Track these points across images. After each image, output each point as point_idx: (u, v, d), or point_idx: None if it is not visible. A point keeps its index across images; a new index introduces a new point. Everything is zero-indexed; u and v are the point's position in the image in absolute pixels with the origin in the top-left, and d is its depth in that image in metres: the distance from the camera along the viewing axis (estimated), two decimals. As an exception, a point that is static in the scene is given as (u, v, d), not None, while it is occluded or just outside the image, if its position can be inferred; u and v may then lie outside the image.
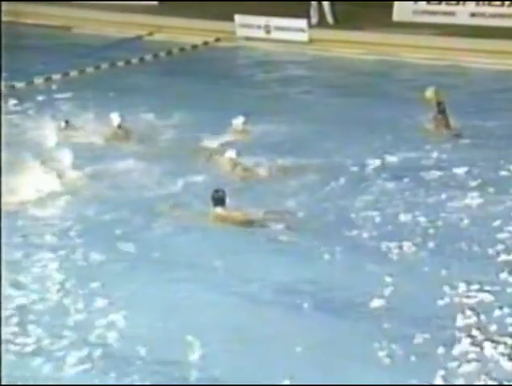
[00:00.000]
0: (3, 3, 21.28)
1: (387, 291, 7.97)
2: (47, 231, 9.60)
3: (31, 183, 10.48)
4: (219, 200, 9.44)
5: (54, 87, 16.00)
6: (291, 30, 18.69)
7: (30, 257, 9.00)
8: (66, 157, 11.13)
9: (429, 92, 12.72)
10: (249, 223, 9.34)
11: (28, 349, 7.36)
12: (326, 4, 19.34)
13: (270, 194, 10.28)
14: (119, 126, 12.56)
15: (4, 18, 21.44)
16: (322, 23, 19.24)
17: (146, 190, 10.55)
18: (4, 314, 7.80)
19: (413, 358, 6.98)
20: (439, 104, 12.31)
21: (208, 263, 8.63)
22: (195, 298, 7.98)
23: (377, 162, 11.25)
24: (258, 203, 9.85)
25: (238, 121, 12.54)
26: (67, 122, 12.41)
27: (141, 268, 8.65)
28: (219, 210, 9.44)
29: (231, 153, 10.83)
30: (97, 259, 8.85)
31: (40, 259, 8.95)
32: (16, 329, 7.63)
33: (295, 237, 9.12)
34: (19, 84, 15.99)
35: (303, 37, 18.58)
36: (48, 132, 12.45)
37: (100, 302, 7.99)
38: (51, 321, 7.72)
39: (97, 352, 7.20)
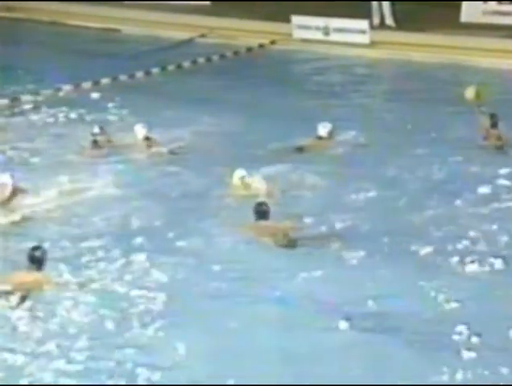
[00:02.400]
0: (51, 3, 21.59)
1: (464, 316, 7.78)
2: (89, 236, 9.63)
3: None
4: (262, 213, 9.47)
5: (102, 91, 16.08)
6: (351, 31, 18.46)
7: (81, 258, 9.02)
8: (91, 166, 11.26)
9: (469, 92, 12.46)
10: (293, 237, 9.33)
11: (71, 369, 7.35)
12: (386, 4, 19.17)
13: (322, 206, 10.26)
14: (146, 138, 12.54)
15: (53, 19, 21.83)
16: (384, 24, 19.09)
17: (179, 202, 10.53)
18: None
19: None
20: (492, 116, 12.11)
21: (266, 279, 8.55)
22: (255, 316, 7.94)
23: (440, 174, 11.13)
24: (312, 216, 9.88)
25: (325, 129, 12.46)
26: (101, 128, 12.45)
27: (195, 283, 8.59)
28: (262, 223, 9.45)
29: (241, 172, 10.66)
30: (157, 270, 8.80)
31: (93, 261, 8.97)
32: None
33: (345, 253, 9.07)
34: (66, 88, 16.12)
35: (364, 39, 18.33)
36: (82, 138, 12.55)
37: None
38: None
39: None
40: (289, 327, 7.72)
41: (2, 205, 10.05)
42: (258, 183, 10.55)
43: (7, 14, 22.72)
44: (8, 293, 8.09)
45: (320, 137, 12.43)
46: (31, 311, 8.00)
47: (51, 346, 7.52)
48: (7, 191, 10.19)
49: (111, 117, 14.31)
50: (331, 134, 12.43)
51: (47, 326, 7.81)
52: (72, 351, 7.44)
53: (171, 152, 12.37)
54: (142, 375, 7.14)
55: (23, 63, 17.58)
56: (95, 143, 12.27)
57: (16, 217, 9.87)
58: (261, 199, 9.75)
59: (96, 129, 12.32)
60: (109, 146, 12.33)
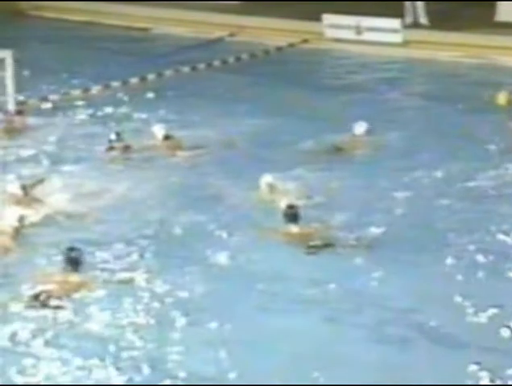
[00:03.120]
0: (82, 2, 21.69)
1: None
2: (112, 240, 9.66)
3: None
4: (292, 217, 9.41)
5: (131, 91, 16.04)
6: (384, 30, 18.32)
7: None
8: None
9: (501, 98, 12.35)
10: (325, 241, 9.30)
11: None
12: (420, 3, 18.99)
13: (355, 209, 10.22)
14: (166, 137, 12.51)
15: (81, 18, 21.95)
16: (417, 23, 18.95)
17: (205, 205, 10.50)
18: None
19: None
20: None
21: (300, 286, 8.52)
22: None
23: (472, 179, 11.05)
24: (343, 219, 9.85)
25: (361, 128, 12.39)
26: (118, 134, 12.43)
27: (226, 288, 8.60)
28: (292, 227, 9.39)
29: (268, 178, 10.61)
30: (188, 273, 8.79)
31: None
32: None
33: (376, 257, 9.03)
34: (95, 88, 16.16)
35: (397, 38, 18.20)
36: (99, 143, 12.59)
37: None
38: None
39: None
40: (327, 334, 7.72)
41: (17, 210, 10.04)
42: (285, 187, 10.47)
43: (36, 13, 22.87)
44: (45, 295, 8.13)
45: (356, 136, 12.36)
46: (70, 312, 8.04)
47: (90, 346, 7.57)
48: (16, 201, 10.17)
49: (139, 117, 14.30)
50: (367, 134, 12.36)
51: (87, 327, 7.85)
52: (111, 351, 7.47)
53: (193, 152, 12.33)
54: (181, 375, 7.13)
55: (52, 63, 17.65)
56: (111, 149, 12.26)
57: (35, 219, 9.85)
58: (291, 202, 9.67)
59: (113, 136, 12.30)
60: (127, 152, 12.29)
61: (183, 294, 8.40)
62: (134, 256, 9.21)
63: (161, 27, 21.18)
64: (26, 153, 12.57)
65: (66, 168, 11.95)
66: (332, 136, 12.52)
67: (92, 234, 9.77)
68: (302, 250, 9.20)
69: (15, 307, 8.12)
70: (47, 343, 7.66)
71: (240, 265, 9.00)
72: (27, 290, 8.28)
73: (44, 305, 8.04)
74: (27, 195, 10.36)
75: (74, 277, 8.34)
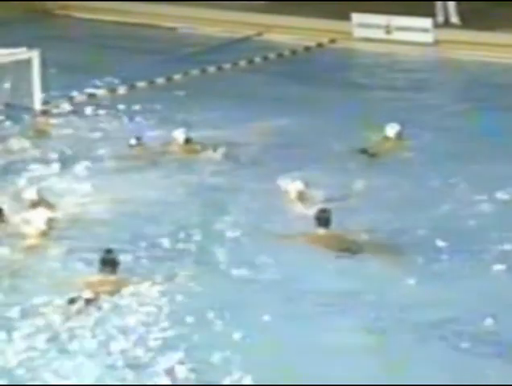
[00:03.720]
0: (109, 2, 21.74)
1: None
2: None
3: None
4: (324, 221, 9.35)
5: (157, 91, 16.06)
6: (414, 30, 18.21)
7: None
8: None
9: None
10: (354, 246, 9.25)
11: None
12: (451, 2, 18.87)
13: (385, 213, 10.13)
14: (187, 141, 12.48)
15: (108, 17, 21.99)
16: (448, 23, 18.80)
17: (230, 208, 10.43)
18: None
19: None
20: None
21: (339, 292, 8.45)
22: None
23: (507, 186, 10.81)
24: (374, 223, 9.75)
25: (393, 130, 12.30)
26: (138, 139, 12.39)
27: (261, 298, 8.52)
28: (322, 231, 9.35)
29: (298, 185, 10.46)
30: (221, 276, 8.81)
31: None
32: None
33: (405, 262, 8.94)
34: (121, 89, 16.16)
35: (428, 38, 18.08)
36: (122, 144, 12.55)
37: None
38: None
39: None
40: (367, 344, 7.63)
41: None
42: (313, 192, 10.38)
43: (63, 13, 22.96)
44: (84, 297, 8.14)
45: (388, 139, 12.25)
46: (109, 314, 8.05)
47: (128, 346, 7.57)
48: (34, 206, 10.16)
49: (165, 118, 14.23)
50: (399, 136, 12.24)
51: (126, 329, 7.84)
52: (147, 352, 7.48)
53: (216, 154, 12.27)
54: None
55: (78, 63, 17.63)
56: (132, 153, 12.22)
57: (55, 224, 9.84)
58: (323, 206, 9.60)
59: (133, 140, 12.25)
60: (146, 156, 12.24)
61: (210, 298, 8.35)
62: (160, 259, 9.17)
63: (188, 26, 21.18)
64: (48, 154, 12.52)
65: (87, 171, 11.92)
66: (361, 138, 12.39)
67: (116, 236, 9.72)
68: (330, 255, 9.12)
69: (53, 310, 8.12)
70: (85, 345, 7.65)
71: (267, 270, 8.92)
72: (65, 293, 8.28)
73: (82, 307, 8.06)
74: (42, 201, 10.29)
75: (112, 279, 8.39)
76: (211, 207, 10.55)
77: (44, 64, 14.57)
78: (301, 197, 10.21)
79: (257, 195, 10.77)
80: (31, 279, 8.76)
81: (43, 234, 9.52)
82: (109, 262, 8.47)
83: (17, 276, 8.85)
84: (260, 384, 7.03)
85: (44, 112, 14.07)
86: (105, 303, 8.17)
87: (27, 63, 14.37)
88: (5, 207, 10.03)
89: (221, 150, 12.30)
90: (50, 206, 10.18)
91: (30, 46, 14.62)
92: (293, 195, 10.28)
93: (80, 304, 8.03)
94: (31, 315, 8.05)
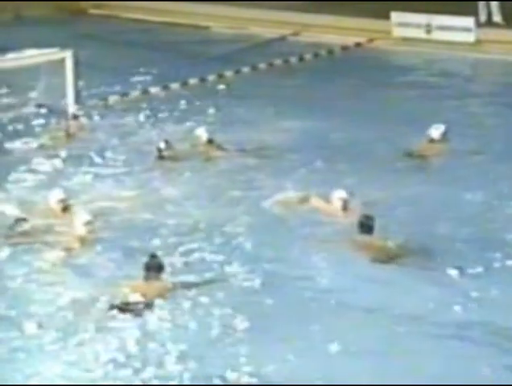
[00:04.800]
0: (145, 2, 21.83)
1: None
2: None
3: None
4: (367, 227, 9.28)
5: (190, 92, 16.00)
6: (456, 29, 18.08)
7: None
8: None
9: None
10: (396, 252, 9.17)
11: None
12: (494, 1, 18.73)
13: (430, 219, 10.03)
14: (209, 141, 12.42)
15: (141, 17, 22.05)
16: (491, 22, 18.59)
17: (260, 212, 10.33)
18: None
19: None
20: None
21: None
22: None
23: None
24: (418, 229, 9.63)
25: (438, 131, 12.13)
26: (167, 142, 12.28)
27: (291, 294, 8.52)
28: (364, 237, 9.28)
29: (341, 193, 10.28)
30: (252, 287, 8.71)
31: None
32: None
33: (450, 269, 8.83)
34: (153, 90, 16.13)
35: (469, 37, 17.95)
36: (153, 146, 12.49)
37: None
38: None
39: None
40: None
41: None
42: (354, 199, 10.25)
43: (94, 11, 23.07)
44: (130, 303, 8.14)
45: (433, 140, 12.09)
46: (157, 319, 8.03)
47: (178, 352, 7.55)
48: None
49: (198, 119, 14.19)
50: (444, 137, 12.08)
51: (174, 333, 7.84)
52: (204, 356, 7.49)
53: (244, 155, 12.25)
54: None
55: (111, 63, 17.74)
56: (161, 157, 12.19)
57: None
58: (366, 213, 9.50)
59: (162, 144, 12.21)
60: (176, 159, 12.19)
61: (252, 302, 8.34)
62: (200, 263, 9.15)
63: (222, 26, 21.18)
64: (78, 156, 12.56)
65: (117, 174, 11.90)
66: (404, 140, 12.26)
67: (152, 240, 9.71)
68: (372, 261, 9.04)
69: (98, 315, 8.12)
70: (131, 349, 7.65)
71: (308, 275, 8.87)
72: (109, 298, 8.29)
73: (128, 312, 8.06)
74: (67, 209, 10.26)
75: (157, 284, 8.37)
76: (243, 210, 10.49)
77: (78, 64, 14.60)
78: (344, 205, 10.09)
79: (291, 198, 10.66)
80: (74, 284, 8.76)
81: (82, 238, 9.51)
82: (153, 267, 8.44)
83: (59, 281, 8.85)
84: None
85: (75, 117, 14.06)
86: (150, 309, 8.13)
87: (61, 63, 14.40)
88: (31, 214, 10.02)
89: (253, 152, 12.30)
90: (80, 210, 10.18)
91: (63, 46, 14.68)
92: (336, 202, 10.15)
93: (127, 309, 8.05)
94: (72, 322, 8.07)
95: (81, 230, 9.50)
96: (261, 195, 10.80)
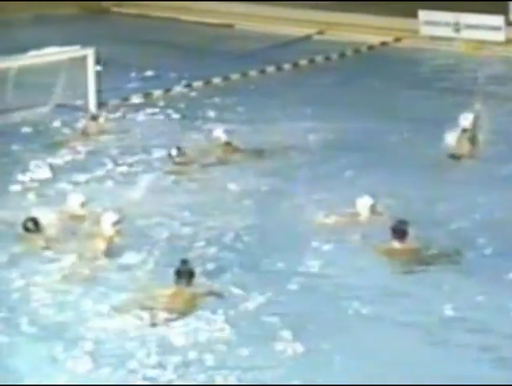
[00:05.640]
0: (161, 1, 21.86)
1: None
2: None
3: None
4: (402, 233, 9.11)
5: (213, 91, 15.97)
6: (485, 28, 17.99)
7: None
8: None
9: None
10: (430, 258, 9.04)
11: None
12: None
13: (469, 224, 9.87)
14: (227, 143, 12.32)
15: (163, 14, 22.05)
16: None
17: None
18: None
19: None
20: None
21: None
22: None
23: None
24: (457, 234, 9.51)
25: (467, 120, 11.96)
26: (179, 149, 12.11)
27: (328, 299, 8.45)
28: (397, 243, 9.13)
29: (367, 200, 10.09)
30: (284, 292, 8.61)
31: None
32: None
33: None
34: (176, 88, 16.11)
35: (499, 36, 17.86)
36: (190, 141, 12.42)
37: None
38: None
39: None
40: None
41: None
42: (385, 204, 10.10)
43: (116, 10, 23.13)
44: (163, 310, 8.09)
45: (465, 130, 11.94)
46: (187, 326, 7.97)
47: (210, 357, 7.51)
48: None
49: (221, 118, 14.18)
50: (474, 126, 11.93)
51: (206, 339, 7.78)
52: (234, 362, 7.44)
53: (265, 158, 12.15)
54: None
55: (132, 62, 17.69)
56: (174, 164, 12.08)
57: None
58: (400, 218, 9.29)
59: (173, 151, 12.10)
60: (189, 165, 12.05)
61: (283, 308, 8.25)
62: (223, 268, 9.04)
63: (245, 24, 21.14)
64: (94, 159, 12.52)
65: (133, 177, 11.79)
66: (433, 140, 12.08)
67: (177, 243, 9.65)
68: (406, 267, 8.91)
69: (125, 319, 8.08)
70: (161, 355, 7.60)
71: (338, 281, 8.76)
72: (141, 302, 8.25)
73: (158, 318, 8.01)
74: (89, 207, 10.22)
75: (188, 290, 8.30)
76: (269, 214, 10.39)
77: (99, 63, 14.58)
78: (372, 210, 9.94)
79: (323, 203, 10.50)
80: (103, 286, 8.69)
81: (110, 239, 9.42)
82: (185, 273, 8.35)
83: (88, 281, 8.80)
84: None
85: (94, 117, 14.01)
86: (180, 316, 8.06)
87: (81, 61, 14.38)
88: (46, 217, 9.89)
89: (276, 154, 12.20)
90: (107, 211, 10.09)
91: (85, 44, 14.68)
92: (363, 209, 9.99)
93: (156, 315, 8.00)
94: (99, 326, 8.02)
95: (109, 230, 9.40)
96: (281, 199, 10.69)
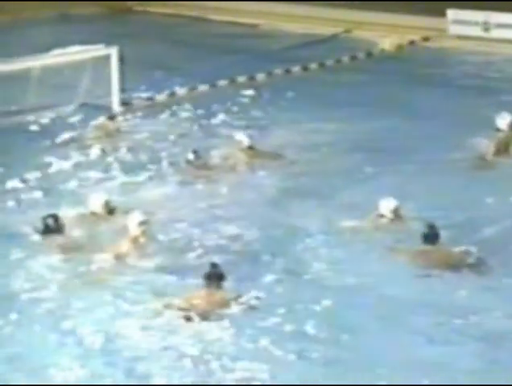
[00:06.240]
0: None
1: None
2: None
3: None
4: (433, 238, 9.03)
5: (238, 90, 15.87)
6: (516, 27, 17.96)
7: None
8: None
9: None
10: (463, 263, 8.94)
11: None
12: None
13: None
14: (250, 147, 12.17)
15: (188, 13, 22.02)
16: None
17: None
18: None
19: None
20: None
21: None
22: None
23: None
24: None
25: (504, 121, 11.77)
26: (195, 152, 11.97)
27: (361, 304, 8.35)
28: (427, 247, 9.04)
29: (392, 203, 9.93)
30: (327, 290, 8.56)
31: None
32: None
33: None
34: (202, 87, 16.05)
35: (530, 35, 17.79)
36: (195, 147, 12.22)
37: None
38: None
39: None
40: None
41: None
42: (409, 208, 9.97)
43: (139, 9, 23.15)
44: (190, 312, 8.05)
45: (498, 130, 11.80)
46: (220, 330, 7.92)
47: (240, 361, 7.47)
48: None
49: (245, 118, 14.11)
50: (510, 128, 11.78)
51: (237, 345, 7.72)
52: (274, 371, 7.35)
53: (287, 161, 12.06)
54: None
55: (157, 61, 17.64)
56: (190, 167, 11.99)
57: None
58: (430, 222, 9.17)
59: (190, 156, 12.01)
60: (206, 169, 11.93)
61: (314, 313, 8.16)
62: (250, 273, 8.95)
63: (271, 23, 21.07)
64: (114, 158, 12.44)
65: (155, 179, 11.71)
66: (463, 140, 11.95)
67: (203, 247, 9.55)
68: (438, 272, 8.81)
69: (155, 322, 8.02)
70: (190, 358, 7.53)
71: (369, 286, 8.66)
72: (170, 305, 8.21)
73: (189, 320, 7.99)
74: (111, 213, 10.14)
75: (219, 294, 8.26)
76: (295, 217, 10.28)
77: (123, 62, 14.55)
78: (395, 213, 9.82)
79: (348, 205, 10.42)
80: (129, 288, 8.63)
81: (136, 240, 9.33)
82: (215, 277, 8.29)
83: (111, 287, 8.72)
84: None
85: (111, 118, 13.95)
86: (211, 319, 8.01)
87: (105, 61, 14.36)
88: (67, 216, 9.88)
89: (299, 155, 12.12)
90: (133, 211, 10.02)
91: (108, 43, 14.66)
92: (386, 211, 9.87)
93: (187, 318, 7.98)
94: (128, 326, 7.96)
95: (136, 231, 9.32)
96: (305, 203, 10.59)
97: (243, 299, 8.25)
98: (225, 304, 8.16)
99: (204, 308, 8.08)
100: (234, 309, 8.12)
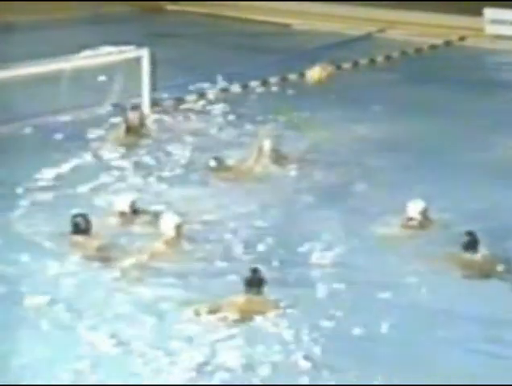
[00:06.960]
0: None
1: None
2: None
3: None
4: (472, 244, 8.91)
5: (270, 91, 15.86)
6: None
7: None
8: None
9: None
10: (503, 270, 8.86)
11: None
12: None
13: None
14: (274, 150, 12.05)
15: (221, 13, 22.05)
16: None
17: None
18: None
19: None
20: None
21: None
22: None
23: None
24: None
25: None
26: (216, 159, 11.88)
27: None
28: (467, 255, 8.93)
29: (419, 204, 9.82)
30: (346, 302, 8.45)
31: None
32: None
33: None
34: (234, 88, 16.01)
35: None
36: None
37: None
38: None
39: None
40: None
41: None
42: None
43: (171, 8, 23.22)
44: (229, 317, 8.02)
45: None
46: (256, 336, 7.86)
47: (282, 368, 7.43)
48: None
49: (274, 120, 13.91)
50: None
51: (272, 351, 7.66)
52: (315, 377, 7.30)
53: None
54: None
55: (189, 61, 17.73)
56: (214, 173, 11.92)
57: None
58: (467, 229, 9.06)
59: (212, 162, 11.94)
60: (229, 174, 11.84)
61: (344, 318, 8.10)
62: (283, 279, 8.85)
63: (303, 22, 21.08)
64: (139, 160, 12.37)
65: (182, 180, 11.64)
66: (506, 144, 11.85)
67: (235, 252, 9.48)
68: (479, 279, 8.74)
69: (195, 328, 7.96)
70: (231, 364, 7.48)
71: (408, 293, 8.58)
72: (209, 310, 8.16)
73: (226, 325, 7.94)
74: (136, 214, 10.09)
75: (259, 299, 8.20)
76: (323, 223, 10.14)
77: (154, 63, 14.56)
78: (424, 215, 9.68)
79: (377, 208, 10.31)
80: (165, 290, 8.56)
81: (170, 242, 9.31)
82: (255, 282, 8.24)
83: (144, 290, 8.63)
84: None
85: (135, 107, 13.85)
86: (251, 326, 7.96)
87: (137, 60, 14.36)
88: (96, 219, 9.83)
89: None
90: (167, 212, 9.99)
91: (140, 43, 14.66)
92: (415, 215, 9.72)
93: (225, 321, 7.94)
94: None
95: (171, 232, 9.30)
96: (333, 207, 10.51)
97: (283, 304, 8.17)
98: (265, 309, 8.08)
99: (244, 313, 8.01)
100: (273, 314, 8.05)
